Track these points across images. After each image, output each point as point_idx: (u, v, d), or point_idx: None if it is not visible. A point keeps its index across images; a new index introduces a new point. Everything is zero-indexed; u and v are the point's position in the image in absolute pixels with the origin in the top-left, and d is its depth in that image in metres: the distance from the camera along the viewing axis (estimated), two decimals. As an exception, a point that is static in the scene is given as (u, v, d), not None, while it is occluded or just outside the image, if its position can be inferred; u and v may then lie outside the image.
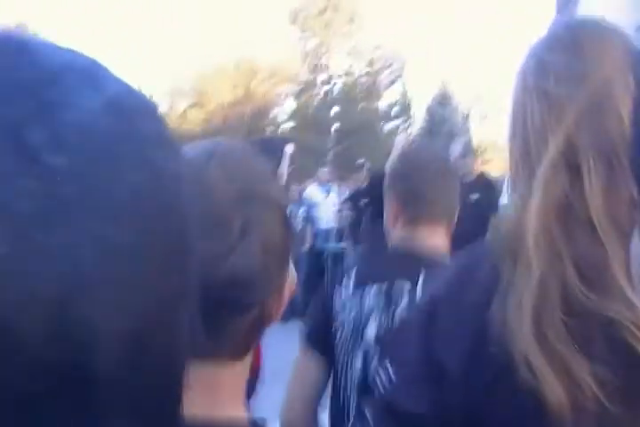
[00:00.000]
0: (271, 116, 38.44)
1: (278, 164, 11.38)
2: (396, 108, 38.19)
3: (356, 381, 2.30)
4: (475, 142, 39.83)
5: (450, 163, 2.80)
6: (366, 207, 10.61)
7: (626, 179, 1.27)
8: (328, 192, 13.32)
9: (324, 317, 2.44)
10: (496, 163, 39.10)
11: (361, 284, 2.34)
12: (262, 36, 37.19)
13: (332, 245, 12.31)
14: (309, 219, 11.94)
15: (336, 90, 37.34)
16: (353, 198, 11.29)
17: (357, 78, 37.40)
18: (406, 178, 2.47)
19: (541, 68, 1.41)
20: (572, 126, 1.30)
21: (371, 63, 37.42)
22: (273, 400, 2.57)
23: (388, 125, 38.26)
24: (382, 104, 38.58)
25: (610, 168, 1.28)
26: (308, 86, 37.36)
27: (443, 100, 38.36)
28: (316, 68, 37.58)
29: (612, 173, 1.28)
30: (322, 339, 2.41)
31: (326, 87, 37.64)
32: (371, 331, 2.26)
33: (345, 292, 2.37)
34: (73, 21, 76.43)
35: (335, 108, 36.56)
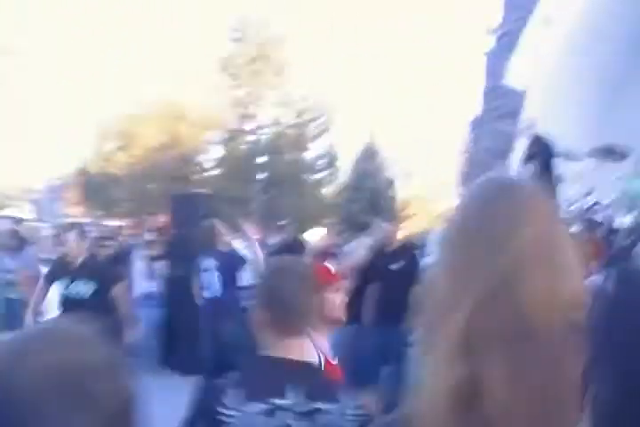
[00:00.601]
0: (197, 162, 38.29)
1: (198, 220, 11.34)
2: (322, 160, 38.34)
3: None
4: (399, 197, 40.37)
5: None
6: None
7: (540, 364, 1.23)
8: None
9: None
10: (420, 216, 39.60)
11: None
12: (192, 82, 36.93)
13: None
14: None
15: (263, 140, 37.39)
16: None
17: (285, 129, 37.48)
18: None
19: (455, 235, 1.39)
20: (473, 308, 1.26)
21: (299, 114, 37.58)
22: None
23: (314, 177, 38.36)
24: (309, 155, 38.75)
25: (513, 353, 1.24)
26: (236, 135, 37.35)
27: (368, 155, 38.66)
28: (244, 117, 37.61)
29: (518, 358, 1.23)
30: None
31: (253, 136, 37.65)
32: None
33: None
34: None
35: (262, 158, 36.60)
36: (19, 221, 22.01)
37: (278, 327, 2.55)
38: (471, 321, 1.26)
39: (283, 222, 13.38)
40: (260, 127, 37.53)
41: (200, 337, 10.46)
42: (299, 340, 2.59)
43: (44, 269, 8.82)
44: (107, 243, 11.92)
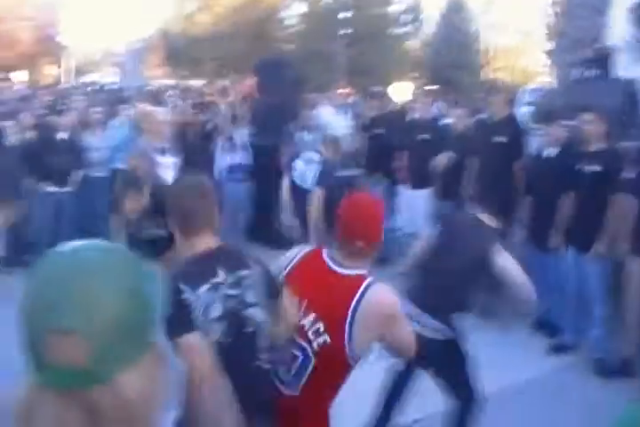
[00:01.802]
0: (279, 19, 37.66)
1: (286, 86, 11.06)
2: (406, 14, 37.36)
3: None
4: (484, 50, 39.25)
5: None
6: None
7: None
8: (344, 114, 12.71)
9: None
10: (506, 70, 38.63)
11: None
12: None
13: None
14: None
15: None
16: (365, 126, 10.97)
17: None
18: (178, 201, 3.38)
19: None
20: None
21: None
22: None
23: (399, 31, 37.48)
24: (393, 9, 37.67)
25: None
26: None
27: (454, 8, 37.49)
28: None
29: None
30: None
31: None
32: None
33: None
34: None
35: (345, 13, 35.69)
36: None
37: (187, 231, 3.33)
38: None
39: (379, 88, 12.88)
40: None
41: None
42: (205, 238, 3.30)
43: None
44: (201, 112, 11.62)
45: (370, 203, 3.52)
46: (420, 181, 9.39)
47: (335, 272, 3.37)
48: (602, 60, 12.53)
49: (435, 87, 14.97)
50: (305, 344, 3.31)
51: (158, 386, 1.46)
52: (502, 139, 8.08)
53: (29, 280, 1.35)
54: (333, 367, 3.30)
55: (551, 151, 7.62)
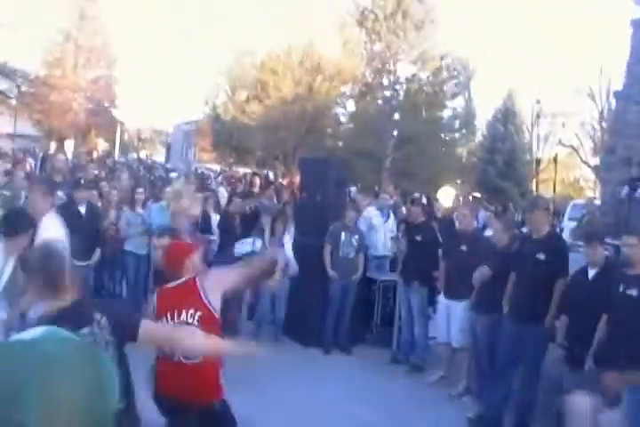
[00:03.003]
0: (331, 115, 38.12)
1: (324, 184, 11.10)
2: (458, 120, 37.67)
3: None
4: (532, 161, 39.50)
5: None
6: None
7: None
8: (387, 217, 12.87)
9: None
10: (551, 183, 38.79)
11: None
12: (328, 35, 36.76)
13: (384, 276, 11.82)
14: (362, 247, 11.44)
15: (399, 96, 36.84)
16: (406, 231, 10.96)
17: (422, 86, 36.80)
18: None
19: None
20: None
21: (437, 72, 36.86)
22: None
23: (450, 136, 37.78)
24: (445, 114, 38.07)
25: None
26: (371, 89, 36.93)
27: (504, 117, 37.83)
28: (380, 72, 37.14)
29: None
30: None
31: (389, 92, 37.13)
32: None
33: None
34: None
35: (397, 115, 36.12)
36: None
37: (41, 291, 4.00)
38: None
39: (417, 195, 12.97)
40: (396, 83, 36.98)
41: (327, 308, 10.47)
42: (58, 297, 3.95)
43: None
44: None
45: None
46: (457, 292, 9.28)
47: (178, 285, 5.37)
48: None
49: (478, 196, 14.98)
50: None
51: None
52: (542, 256, 7.98)
53: None
54: (213, 326, 5.02)
55: (591, 272, 7.52)
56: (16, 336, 1.45)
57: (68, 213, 8.68)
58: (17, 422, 1.28)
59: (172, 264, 5.46)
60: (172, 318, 5.13)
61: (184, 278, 5.33)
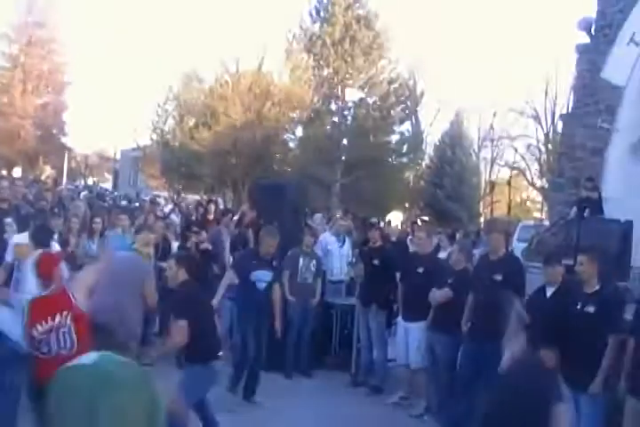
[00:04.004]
0: (280, 141, 38.17)
1: (279, 207, 11.17)
2: (406, 144, 37.97)
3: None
4: (480, 183, 39.95)
5: None
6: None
7: None
8: (343, 242, 13.02)
9: None
10: (502, 203, 39.20)
11: None
12: (276, 61, 36.99)
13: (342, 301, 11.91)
14: (320, 272, 11.54)
15: (348, 121, 37.09)
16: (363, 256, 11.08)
17: (370, 110, 37.05)
18: None
19: None
20: None
21: (384, 97, 37.18)
22: None
23: (398, 160, 38.04)
24: (393, 139, 38.36)
25: None
26: (319, 115, 37.09)
27: (452, 140, 38.24)
28: (328, 98, 37.39)
29: None
30: None
31: (337, 118, 37.35)
32: None
33: None
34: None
35: (345, 140, 36.33)
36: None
37: None
38: None
39: (374, 220, 13.14)
40: (344, 108, 37.23)
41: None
42: None
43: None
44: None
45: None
46: (414, 314, 9.42)
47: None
48: (597, 200, 12.81)
49: (427, 219, 15.18)
50: (64, 328, 5.67)
51: None
52: (500, 277, 8.17)
53: (54, 392, 1.41)
54: (83, 323, 5.57)
55: (549, 291, 7.72)
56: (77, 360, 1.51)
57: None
58: None
59: (45, 274, 6.09)
60: (47, 322, 5.70)
61: (54, 286, 5.97)
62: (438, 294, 8.91)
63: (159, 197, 31.34)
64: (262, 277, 9.31)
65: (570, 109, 18.07)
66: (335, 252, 12.80)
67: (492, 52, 72.87)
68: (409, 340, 9.46)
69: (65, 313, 5.72)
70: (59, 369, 1.45)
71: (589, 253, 7.38)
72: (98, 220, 12.09)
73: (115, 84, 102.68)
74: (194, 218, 16.15)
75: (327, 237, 13.13)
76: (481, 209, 39.35)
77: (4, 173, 37.77)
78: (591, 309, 7.02)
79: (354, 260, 11.94)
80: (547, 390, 4.73)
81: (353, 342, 10.98)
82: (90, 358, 1.49)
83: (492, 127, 41.04)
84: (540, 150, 39.59)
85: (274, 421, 5.99)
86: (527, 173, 40.96)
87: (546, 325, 7.42)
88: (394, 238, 13.98)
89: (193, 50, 67.80)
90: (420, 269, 9.60)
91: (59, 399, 1.40)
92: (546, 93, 39.68)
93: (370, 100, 37.45)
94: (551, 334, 7.31)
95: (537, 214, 38.75)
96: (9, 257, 9.09)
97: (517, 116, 40.92)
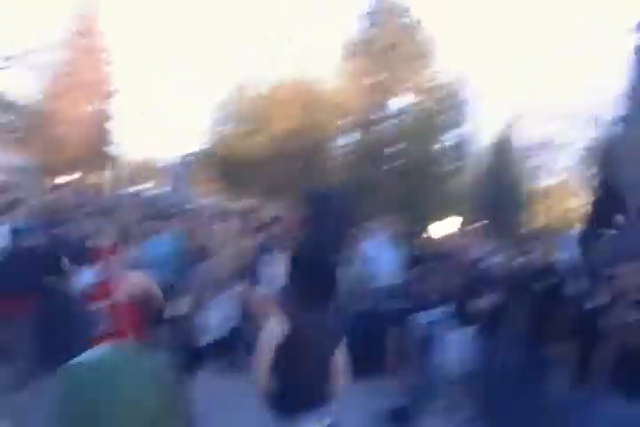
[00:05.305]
0: (330, 148, 38.17)
1: (325, 217, 11.24)
2: (456, 151, 37.76)
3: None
4: (529, 191, 39.60)
5: None
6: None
7: None
8: (389, 249, 12.94)
9: None
10: (550, 212, 38.82)
11: None
12: (326, 67, 37.05)
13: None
14: (367, 278, 11.55)
15: (398, 127, 36.94)
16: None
17: (420, 117, 36.88)
18: None
19: None
20: None
21: (436, 102, 36.98)
22: None
23: (447, 167, 37.80)
24: (442, 145, 38.12)
25: None
26: (367, 122, 37.02)
27: (502, 147, 37.96)
28: (376, 105, 37.29)
29: None
30: None
31: (385, 125, 37.25)
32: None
33: None
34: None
35: (395, 146, 36.23)
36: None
37: None
38: None
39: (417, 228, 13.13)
40: (394, 115, 37.13)
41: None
42: None
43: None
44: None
45: None
46: (463, 321, 9.44)
47: None
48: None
49: (478, 226, 15.13)
50: None
51: None
52: (543, 286, 8.19)
53: (67, 383, 1.48)
54: None
55: (601, 300, 7.71)
56: (84, 354, 1.59)
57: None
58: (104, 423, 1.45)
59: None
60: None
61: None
62: (483, 300, 8.94)
63: (225, 213, 31.43)
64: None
65: (627, 112, 17.81)
66: (380, 258, 12.74)
67: (544, 57, 72.16)
68: (459, 347, 9.49)
69: None
70: (65, 365, 1.50)
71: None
72: (145, 224, 12.29)
73: (163, 92, 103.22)
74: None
75: (373, 244, 13.08)
76: (529, 217, 39.03)
77: (54, 180, 38.23)
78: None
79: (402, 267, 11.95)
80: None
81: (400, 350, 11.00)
82: (98, 351, 1.56)
83: (535, 131, 40.62)
84: (589, 156, 39.21)
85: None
86: (579, 179, 40.63)
87: (592, 333, 7.43)
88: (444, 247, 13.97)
89: (242, 58, 68.16)
90: (467, 278, 9.64)
91: (67, 396, 1.48)
92: (597, 97, 39.19)
93: (419, 107, 37.30)
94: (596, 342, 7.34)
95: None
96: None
97: (567, 122, 40.52)
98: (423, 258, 10.89)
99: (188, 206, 19.75)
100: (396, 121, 37.23)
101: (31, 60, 39.85)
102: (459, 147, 37.98)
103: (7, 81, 45.92)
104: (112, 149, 47.27)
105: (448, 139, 38.09)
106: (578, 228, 28.98)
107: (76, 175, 39.13)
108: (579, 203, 39.83)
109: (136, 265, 10.75)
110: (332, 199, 11.79)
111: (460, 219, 25.29)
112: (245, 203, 29.97)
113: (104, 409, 1.49)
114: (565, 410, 7.96)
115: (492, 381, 8.88)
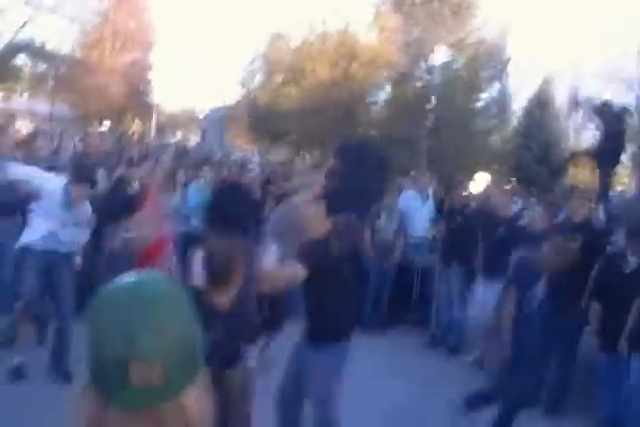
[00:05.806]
0: (366, 102, 38.01)
1: (364, 169, 11.23)
2: (494, 106, 37.43)
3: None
4: (569, 149, 39.18)
5: None
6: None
7: None
8: (425, 200, 12.81)
9: None
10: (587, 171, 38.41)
11: None
12: (364, 20, 36.71)
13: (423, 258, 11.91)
14: (402, 229, 11.59)
15: (435, 82, 36.62)
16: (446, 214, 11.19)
17: (458, 72, 36.58)
18: None
19: None
20: None
21: (473, 58, 36.59)
22: None
23: (485, 123, 37.51)
24: (481, 101, 37.81)
25: None
26: (406, 76, 36.77)
27: (540, 104, 37.46)
28: (415, 58, 36.96)
29: None
30: None
31: (424, 79, 36.96)
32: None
33: None
34: None
35: (432, 101, 35.95)
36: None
37: None
38: None
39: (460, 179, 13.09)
40: (432, 69, 36.80)
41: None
42: None
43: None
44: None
45: None
46: (493, 275, 9.47)
47: None
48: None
49: (514, 183, 15.07)
50: None
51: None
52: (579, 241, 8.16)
53: (97, 313, 1.57)
54: None
55: (630, 262, 7.71)
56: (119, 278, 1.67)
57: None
58: (141, 359, 1.54)
59: None
60: None
61: None
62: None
63: (251, 162, 31.46)
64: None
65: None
66: (418, 209, 12.70)
67: (584, 15, 70.78)
68: (487, 299, 9.53)
69: None
70: (99, 289, 1.57)
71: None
72: (181, 172, 12.49)
73: (202, 43, 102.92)
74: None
75: (410, 195, 13.02)
76: (568, 174, 38.65)
77: (95, 126, 38.42)
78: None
79: (436, 218, 11.97)
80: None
81: (432, 301, 11.09)
82: (133, 275, 1.62)
83: (574, 89, 40.01)
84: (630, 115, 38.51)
85: (347, 378, 6.12)
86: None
87: (622, 294, 7.48)
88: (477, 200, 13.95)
89: (280, 9, 67.61)
90: (502, 232, 9.66)
91: (96, 318, 1.55)
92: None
93: (458, 62, 36.96)
94: (626, 303, 7.39)
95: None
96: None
97: (607, 81, 39.92)
98: (459, 213, 10.91)
99: (222, 157, 19.75)
100: (436, 75, 36.89)
101: (71, 9, 39.90)
102: (499, 101, 37.64)
103: (48, 31, 45.96)
104: (151, 99, 47.38)
105: (489, 93, 37.79)
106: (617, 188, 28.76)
107: (115, 124, 39.28)
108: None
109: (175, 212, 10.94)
110: (369, 150, 11.76)
111: (498, 175, 25.19)
112: (279, 153, 29.96)
113: (135, 328, 1.57)
114: (591, 369, 8.06)
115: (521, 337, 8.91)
